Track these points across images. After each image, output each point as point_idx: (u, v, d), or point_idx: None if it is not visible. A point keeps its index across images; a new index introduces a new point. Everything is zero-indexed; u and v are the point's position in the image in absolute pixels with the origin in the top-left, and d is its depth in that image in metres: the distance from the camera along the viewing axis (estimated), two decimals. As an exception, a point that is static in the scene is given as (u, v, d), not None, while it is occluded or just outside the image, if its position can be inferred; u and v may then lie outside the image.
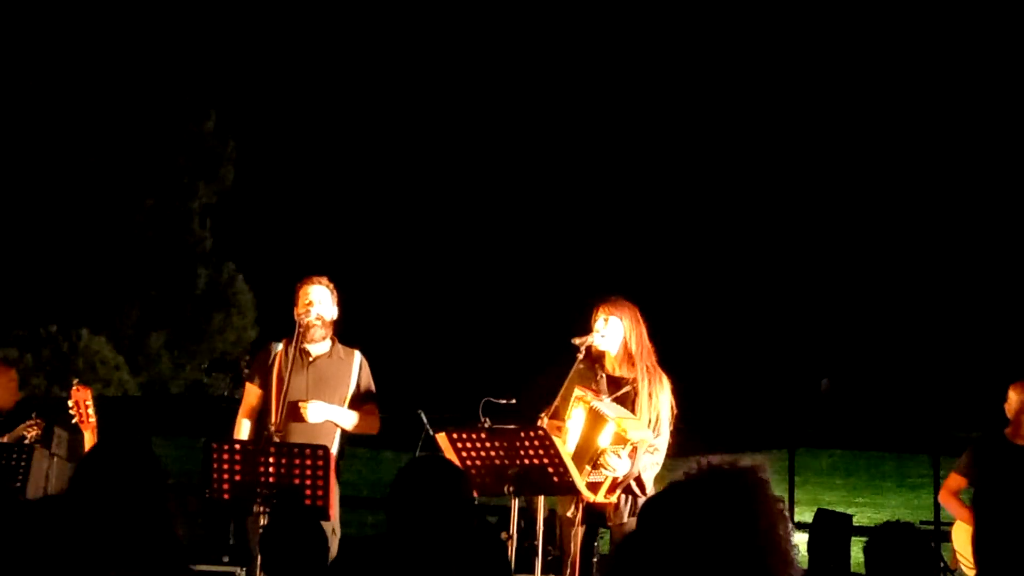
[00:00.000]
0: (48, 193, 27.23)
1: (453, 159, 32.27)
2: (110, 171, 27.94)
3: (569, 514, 6.55)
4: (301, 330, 6.89)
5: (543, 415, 6.56)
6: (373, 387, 7.09)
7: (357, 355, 7.11)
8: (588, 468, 6.44)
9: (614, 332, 6.75)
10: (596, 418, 6.53)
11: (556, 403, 6.69)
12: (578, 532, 6.53)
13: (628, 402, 6.66)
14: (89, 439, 6.81)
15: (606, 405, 6.58)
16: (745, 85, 32.14)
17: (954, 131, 30.31)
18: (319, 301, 6.98)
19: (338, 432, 6.94)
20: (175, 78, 28.15)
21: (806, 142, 31.41)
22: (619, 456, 6.45)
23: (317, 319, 6.93)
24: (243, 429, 6.95)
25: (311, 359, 6.94)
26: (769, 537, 2.56)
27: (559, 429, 6.54)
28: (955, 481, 7.76)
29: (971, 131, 30.19)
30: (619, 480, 6.52)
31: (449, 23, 32.47)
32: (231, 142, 28.91)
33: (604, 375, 6.77)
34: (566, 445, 6.46)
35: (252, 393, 7.02)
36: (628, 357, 6.76)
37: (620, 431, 6.44)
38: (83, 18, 27.85)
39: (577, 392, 6.63)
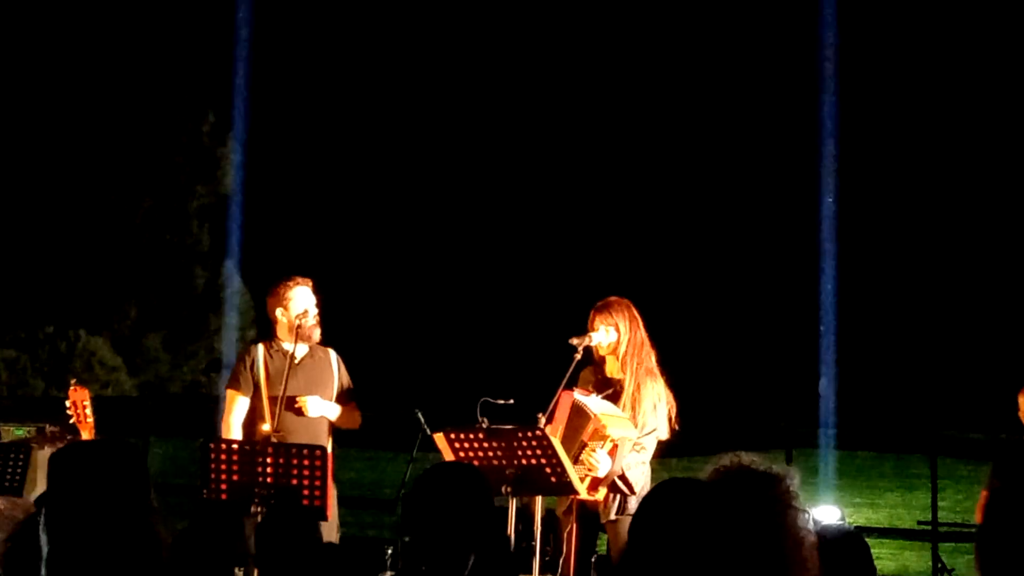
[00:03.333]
0: (46, 194, 27.22)
1: (451, 160, 32.28)
2: (108, 172, 27.95)
3: (563, 511, 6.58)
4: (301, 331, 6.89)
5: (541, 416, 6.57)
6: (351, 382, 7.14)
7: (332, 353, 7.15)
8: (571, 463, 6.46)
9: (607, 338, 6.77)
10: (578, 413, 6.53)
11: (552, 404, 6.70)
12: (572, 529, 6.54)
13: (616, 400, 6.68)
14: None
15: (592, 401, 6.59)
16: (744, 86, 32.15)
17: (953, 131, 30.32)
18: (312, 303, 7.01)
19: (330, 429, 6.97)
20: (173, 79, 28.16)
21: (805, 142, 31.42)
22: (597, 453, 6.45)
23: (314, 318, 6.97)
24: (234, 432, 6.90)
25: (297, 361, 6.95)
26: (793, 549, 2.53)
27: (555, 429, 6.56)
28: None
29: (971, 131, 30.20)
30: (600, 479, 6.52)
31: (448, 23, 32.48)
32: (229, 143, 28.92)
33: (602, 377, 6.79)
34: (557, 436, 6.47)
35: (237, 399, 6.96)
36: (623, 358, 6.77)
37: (600, 427, 6.44)
38: (83, 19, 27.85)
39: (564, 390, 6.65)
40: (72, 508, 3.05)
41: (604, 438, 6.47)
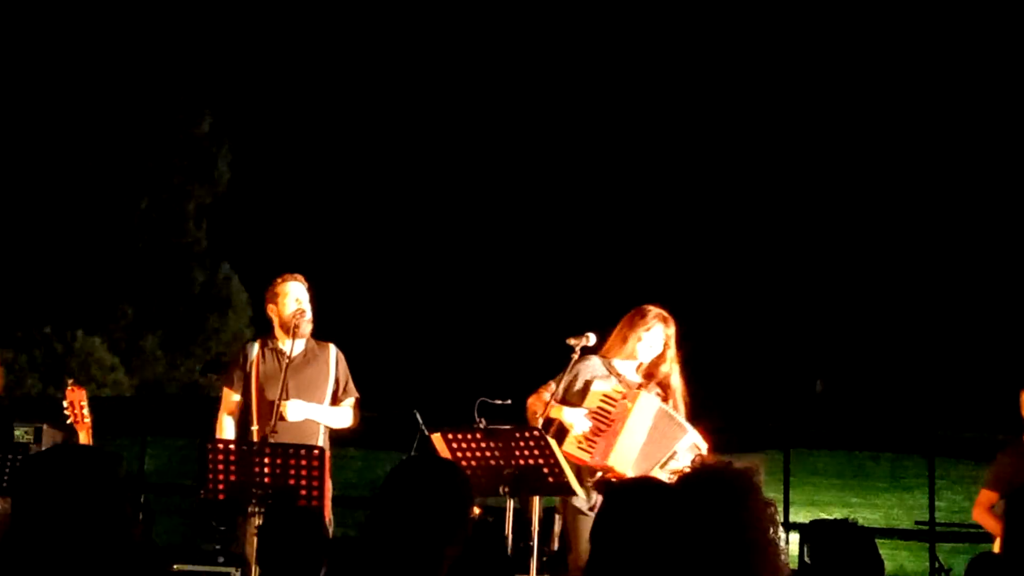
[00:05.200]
0: (44, 194, 27.21)
1: (449, 159, 32.28)
2: (105, 172, 27.93)
3: (587, 507, 6.59)
4: (293, 329, 6.88)
5: (543, 391, 6.66)
6: (351, 380, 7.10)
7: (332, 349, 7.10)
8: (656, 468, 6.56)
9: (660, 343, 6.91)
10: (671, 423, 6.66)
11: (564, 387, 6.74)
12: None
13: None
14: (84, 440, 6.79)
15: (679, 413, 6.75)
16: (742, 86, 32.16)
17: (953, 131, 30.34)
18: (304, 299, 7.00)
19: (322, 429, 6.93)
20: (171, 80, 28.15)
21: (803, 142, 31.44)
22: (687, 463, 6.57)
23: (303, 313, 6.95)
24: (227, 429, 6.92)
25: (289, 359, 6.92)
26: (757, 540, 2.56)
27: (616, 434, 6.58)
28: (986, 497, 7.32)
29: (970, 131, 30.22)
30: None
31: (446, 23, 32.48)
32: (226, 143, 28.91)
33: (622, 376, 6.86)
34: (634, 437, 6.55)
35: (230, 396, 6.99)
36: (653, 364, 6.89)
37: (697, 443, 6.64)
38: (81, 19, 27.84)
39: (618, 388, 6.67)
40: (40, 520, 2.98)
41: (699, 451, 6.66)
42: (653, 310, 6.95)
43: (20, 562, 2.97)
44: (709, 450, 6.74)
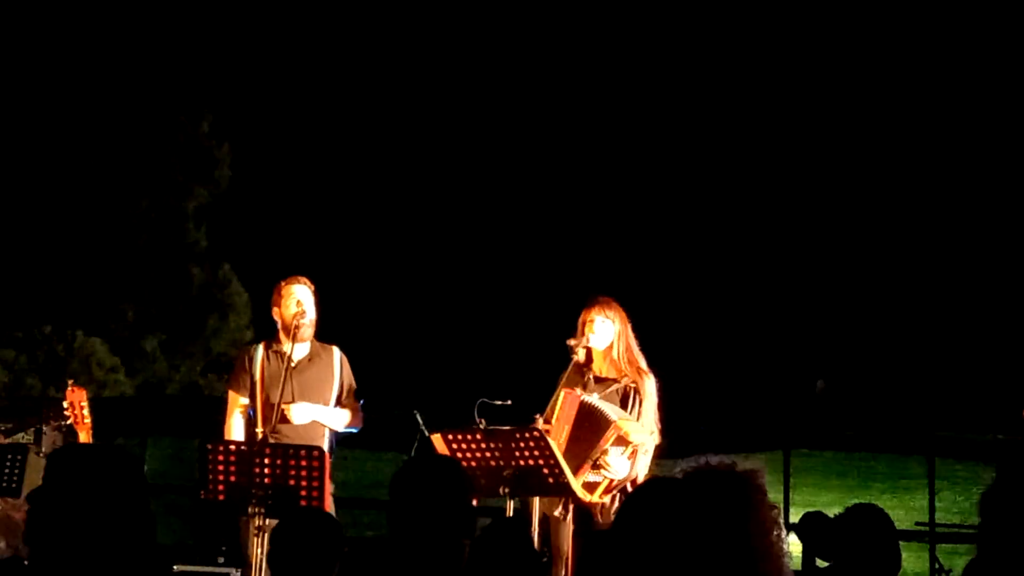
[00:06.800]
0: (44, 194, 27.21)
1: (449, 161, 32.27)
2: (105, 172, 27.94)
3: (557, 513, 6.54)
4: (293, 331, 6.88)
5: (539, 416, 6.56)
6: (354, 383, 7.11)
7: (336, 352, 7.11)
8: (588, 467, 6.44)
9: (605, 332, 6.77)
10: (593, 416, 6.52)
11: (549, 406, 6.70)
12: (568, 531, 6.52)
13: (616, 400, 6.67)
14: (84, 440, 6.79)
15: (604, 404, 6.58)
16: (739, 86, 32.15)
17: (952, 131, 30.33)
18: (307, 302, 6.99)
19: (327, 431, 6.94)
20: (171, 80, 28.16)
21: (802, 143, 31.43)
22: (620, 458, 6.47)
23: (309, 321, 6.95)
24: (236, 433, 6.92)
25: (293, 362, 6.92)
26: (763, 545, 2.56)
27: (549, 432, 6.53)
28: None
29: (969, 131, 30.20)
30: (616, 483, 6.52)
31: (445, 25, 32.47)
32: (226, 143, 28.90)
33: (592, 376, 6.79)
34: (560, 436, 6.46)
35: (236, 400, 7.00)
36: (616, 357, 6.77)
37: (624, 433, 6.46)
38: (80, 20, 27.85)
39: (565, 390, 6.64)
40: (65, 509, 3.00)
41: (627, 444, 6.49)
42: (594, 298, 6.86)
43: (44, 562, 2.99)
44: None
